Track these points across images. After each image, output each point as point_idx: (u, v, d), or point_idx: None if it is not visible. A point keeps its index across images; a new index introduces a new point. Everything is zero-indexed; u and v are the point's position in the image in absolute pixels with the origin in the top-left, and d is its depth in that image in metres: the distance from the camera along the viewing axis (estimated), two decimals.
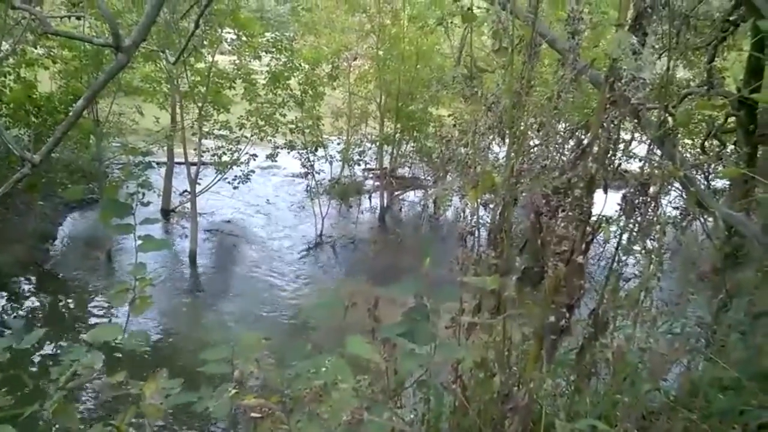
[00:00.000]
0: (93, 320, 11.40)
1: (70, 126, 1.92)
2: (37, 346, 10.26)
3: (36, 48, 14.21)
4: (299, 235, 16.19)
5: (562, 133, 2.53)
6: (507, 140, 2.62)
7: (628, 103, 1.47)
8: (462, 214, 2.31)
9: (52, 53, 14.18)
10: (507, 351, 2.41)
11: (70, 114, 1.88)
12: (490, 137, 2.34)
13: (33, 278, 12.98)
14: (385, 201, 17.90)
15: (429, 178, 18.95)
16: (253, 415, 1.47)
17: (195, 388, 2.15)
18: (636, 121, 1.64)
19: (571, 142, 2.63)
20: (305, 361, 1.33)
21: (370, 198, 18.61)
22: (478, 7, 3.13)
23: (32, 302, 12.20)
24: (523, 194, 2.35)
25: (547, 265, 1.71)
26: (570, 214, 1.62)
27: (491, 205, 2.64)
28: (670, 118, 2.14)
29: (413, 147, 18.27)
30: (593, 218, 1.78)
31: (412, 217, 18.44)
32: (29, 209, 14.21)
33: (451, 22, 12.56)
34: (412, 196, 19.14)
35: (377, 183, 18.80)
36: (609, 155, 1.66)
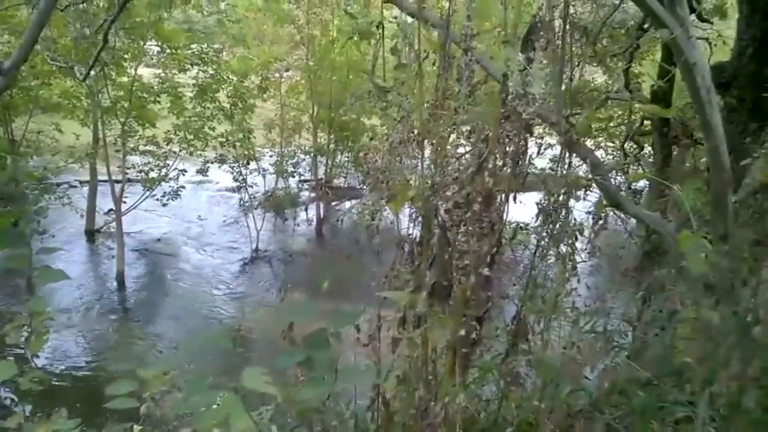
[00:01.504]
0: (12, 352, 10.69)
1: None
2: None
3: None
4: (234, 251, 15.81)
5: (468, 145, 2.56)
6: (422, 152, 2.63)
7: (520, 117, 1.50)
8: (377, 228, 2.29)
9: None
10: (428, 365, 2.40)
11: None
12: (405, 150, 2.34)
13: None
14: (322, 212, 17.77)
15: (365, 188, 18.96)
16: None
17: (115, 421, 2.03)
18: (528, 134, 1.67)
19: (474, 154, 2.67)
20: (197, 396, 1.25)
21: (306, 210, 18.44)
22: (390, 21, 3.14)
23: None
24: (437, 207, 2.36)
25: (454, 279, 1.71)
26: (470, 228, 1.62)
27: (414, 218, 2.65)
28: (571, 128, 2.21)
29: (348, 157, 18.27)
30: (501, 228, 1.80)
31: (350, 227, 18.39)
32: None
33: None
34: (349, 205, 19.10)
35: (313, 194, 18.66)
36: (513, 166, 1.68)
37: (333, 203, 18.51)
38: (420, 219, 2.66)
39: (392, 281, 2.56)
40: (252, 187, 16.12)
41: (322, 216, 17.70)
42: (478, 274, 1.65)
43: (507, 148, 1.60)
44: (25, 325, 2.11)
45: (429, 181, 2.47)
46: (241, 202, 16.31)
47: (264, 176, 16.45)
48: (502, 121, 1.55)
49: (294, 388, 1.36)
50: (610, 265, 9.44)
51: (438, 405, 1.86)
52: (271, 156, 17.40)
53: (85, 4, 9.78)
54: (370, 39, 2.42)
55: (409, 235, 2.75)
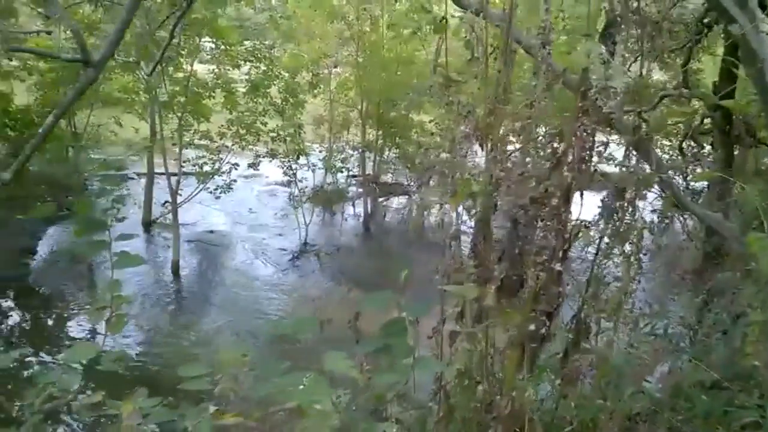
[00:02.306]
0: (76, 335, 11.21)
1: (40, 143, 1.88)
2: (17, 365, 10.07)
3: (11, 60, 14.02)
4: (283, 244, 16.10)
5: (538, 140, 2.55)
6: (485, 148, 2.63)
7: (600, 111, 1.48)
8: (442, 222, 2.30)
9: (28, 65, 14.01)
10: (489, 359, 2.40)
11: (40, 131, 1.85)
12: (468, 145, 2.35)
13: (12, 294, 12.73)
14: (369, 208, 17.88)
15: (412, 183, 18.98)
16: None
17: (177, 405, 2.11)
18: (609, 128, 1.65)
19: (548, 149, 2.65)
20: (283, 379, 1.30)
21: (353, 205, 18.59)
22: (453, 15, 3.14)
23: (12, 319, 11.97)
24: (501, 202, 2.35)
25: (525, 273, 1.71)
26: (548, 223, 1.62)
27: (472, 213, 2.65)
28: (644, 123, 2.16)
29: (396, 153, 18.30)
30: (572, 224, 1.79)
31: (397, 223, 18.44)
32: (5, 224, 13.95)
33: (428, 29, 12.64)
34: (396, 202, 19.15)
35: (360, 190, 18.79)
36: (585, 162, 1.66)
37: (380, 199, 18.59)
38: (476, 214, 2.66)
39: (452, 276, 2.57)
40: (302, 181, 16.37)
41: (369, 211, 17.81)
42: (550, 270, 1.64)
43: (584, 143, 1.58)
44: (107, 307, 2.22)
45: (490, 177, 2.47)
46: (291, 196, 16.58)
47: (313, 171, 16.67)
48: (580, 115, 1.54)
49: (372, 374, 1.39)
50: (666, 266, 9.16)
51: (504, 399, 1.87)
52: (320, 151, 17.61)
53: (148, 2, 10.11)
54: (443, 33, 2.43)
55: (465, 230, 2.75)
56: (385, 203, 18.77)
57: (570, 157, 1.56)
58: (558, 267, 1.67)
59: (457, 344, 2.51)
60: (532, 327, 1.76)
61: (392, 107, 17.14)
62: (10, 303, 12.45)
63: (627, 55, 1.56)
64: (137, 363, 10.13)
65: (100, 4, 9.70)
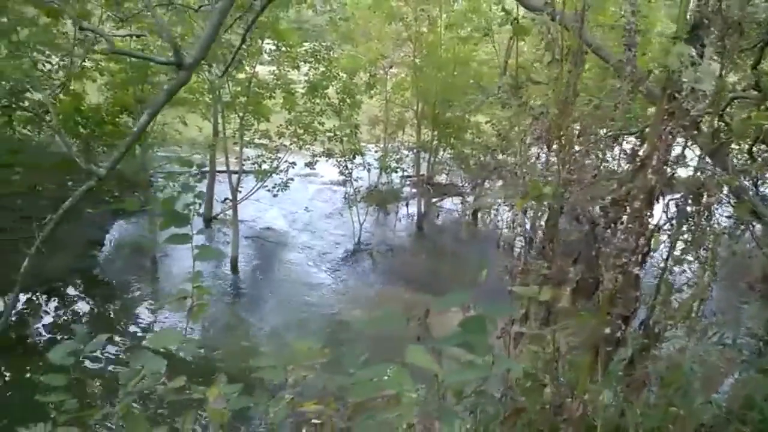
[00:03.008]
0: (141, 324, 11.74)
1: (134, 141, 2.01)
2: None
3: (84, 61, 14.77)
4: (337, 242, 16.34)
5: (607, 141, 2.52)
6: (553, 149, 2.62)
7: (687, 114, 1.47)
8: (504, 223, 2.32)
9: (99, 65, 14.71)
10: (556, 361, 2.40)
11: (134, 130, 1.98)
12: (539, 146, 2.35)
13: (80, 283, 13.41)
14: (423, 208, 17.91)
15: (466, 185, 18.88)
16: (313, 420, 1.52)
17: (246, 393, 2.21)
18: (696, 132, 1.63)
19: (616, 150, 2.62)
20: (366, 370, 1.36)
21: (407, 205, 18.66)
22: (524, 16, 3.14)
23: (79, 307, 12.60)
24: (570, 204, 2.35)
25: (602, 276, 1.71)
26: (630, 226, 1.61)
27: (531, 214, 2.65)
28: (723, 126, 2.11)
29: (451, 154, 18.25)
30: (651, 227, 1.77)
31: (450, 224, 18.39)
32: (78, 216, 14.71)
33: (491, 30, 12.56)
34: (450, 203, 19.10)
35: (414, 190, 18.84)
36: (667, 165, 1.65)
37: (434, 200, 18.59)
38: (540, 216, 2.66)
39: (517, 277, 2.58)
40: (357, 180, 16.56)
41: (422, 211, 17.84)
42: (628, 273, 1.64)
43: (669, 146, 1.57)
44: (187, 297, 2.35)
45: (558, 178, 2.46)
46: (346, 195, 16.80)
47: (368, 171, 16.83)
48: (665, 117, 1.53)
49: (450, 370, 1.43)
50: (735, 274, 8.80)
51: (576, 402, 1.87)
52: (375, 151, 17.77)
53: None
54: (524, 36, 2.45)
55: (527, 231, 2.75)
56: (438, 204, 18.75)
57: (654, 160, 1.55)
58: (636, 270, 1.67)
59: (522, 345, 2.52)
60: (607, 330, 1.75)
61: (448, 108, 17.11)
62: (77, 292, 13.12)
63: (714, 57, 1.54)
64: (198, 352, 10.52)
65: (169, 8, 10.11)
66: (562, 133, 2.48)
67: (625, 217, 1.62)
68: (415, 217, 17.88)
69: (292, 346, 2.06)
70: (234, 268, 14.17)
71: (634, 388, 2.60)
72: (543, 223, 2.53)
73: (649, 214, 1.64)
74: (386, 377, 1.29)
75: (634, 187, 1.60)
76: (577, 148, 2.47)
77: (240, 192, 15.02)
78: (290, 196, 17.16)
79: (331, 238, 16.63)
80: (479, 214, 18.13)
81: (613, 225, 1.67)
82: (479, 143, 17.46)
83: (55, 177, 14.65)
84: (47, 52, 14.36)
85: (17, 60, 14.19)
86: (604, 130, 2.56)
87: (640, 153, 1.63)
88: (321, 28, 17.77)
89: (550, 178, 2.50)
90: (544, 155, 2.75)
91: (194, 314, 2.27)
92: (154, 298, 12.97)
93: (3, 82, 14.38)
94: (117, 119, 14.90)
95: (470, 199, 18.24)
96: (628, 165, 1.73)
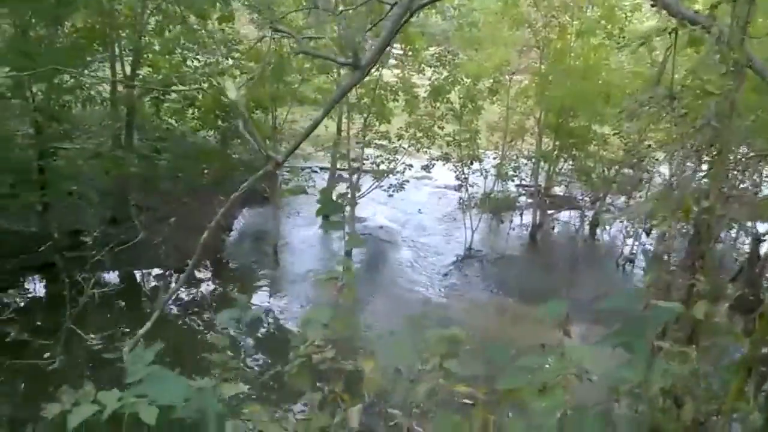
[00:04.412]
0: (257, 307, 12.52)
1: (309, 133, 2.23)
2: (202, 327, 11.48)
3: (227, 59, 15.99)
4: (448, 246, 16.41)
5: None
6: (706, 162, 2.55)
7: None
8: (667, 238, 2.29)
9: (240, 64, 15.84)
10: (698, 379, 2.33)
11: (310, 123, 2.19)
12: (696, 161, 2.30)
13: (209, 265, 14.53)
14: (538, 219, 17.50)
15: (586, 198, 18.20)
16: (464, 401, 1.62)
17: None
18: None
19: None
20: (522, 359, 1.44)
21: (521, 215, 18.32)
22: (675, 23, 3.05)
23: (205, 288, 13.64)
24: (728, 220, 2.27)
25: (763, 294, 1.66)
26: None
27: (667, 229, 2.58)
28: None
29: (572, 165, 17.67)
30: None
31: (565, 237, 17.82)
32: (210, 202, 15.94)
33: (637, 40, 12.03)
34: (567, 215, 18.51)
35: (530, 200, 18.46)
36: None
37: (550, 211, 18.10)
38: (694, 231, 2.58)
39: (659, 291, 2.52)
40: (472, 186, 16.52)
41: (537, 222, 17.43)
42: None
43: None
44: (338, 278, 2.55)
45: (714, 193, 2.39)
46: (460, 200, 16.82)
47: (485, 177, 16.72)
48: None
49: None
50: None
51: (722, 420, 1.83)
52: (494, 158, 17.61)
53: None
54: (699, 46, 2.41)
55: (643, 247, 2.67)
56: (554, 216, 18.23)
57: None
58: None
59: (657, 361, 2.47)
60: (765, 350, 1.70)
61: (572, 117, 16.57)
62: (205, 274, 14.22)
63: None
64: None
65: (309, 12, 10.69)
66: (720, 147, 2.42)
67: None
68: (529, 228, 17.51)
69: (430, 333, 2.17)
70: None
71: None
72: (691, 238, 2.47)
73: None
74: (546, 366, 1.36)
75: None
76: (733, 162, 2.39)
77: (357, 190, 15.54)
78: (405, 197, 17.49)
79: (442, 242, 16.73)
80: (598, 229, 17.41)
81: None
82: (603, 156, 16.76)
83: (194, 165, 16.03)
84: (194, 50, 15.77)
85: (168, 56, 15.71)
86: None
87: None
88: (447, 33, 17.88)
89: (703, 193, 2.44)
90: (695, 169, 2.68)
91: (345, 294, 2.46)
92: (273, 284, 13.79)
93: (155, 75, 16.00)
94: (252, 114, 16.00)
95: (590, 212, 17.56)
96: None
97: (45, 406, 2.07)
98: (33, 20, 12.13)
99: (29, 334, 6.53)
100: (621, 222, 16.66)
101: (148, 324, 2.49)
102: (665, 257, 2.66)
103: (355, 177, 15.44)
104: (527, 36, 17.75)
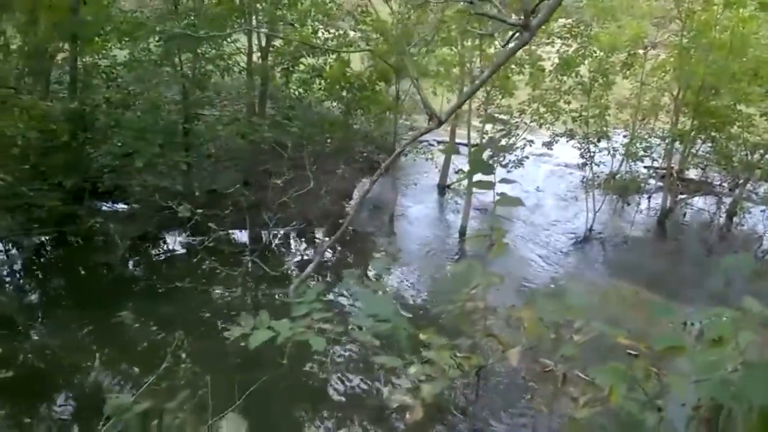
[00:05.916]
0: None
1: (473, 94, 2.31)
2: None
3: (354, 32, 16.37)
4: (567, 227, 15.90)
5: None
6: None
7: None
8: None
9: (367, 36, 16.15)
10: None
11: (476, 82, 2.27)
12: None
13: (328, 229, 15.14)
14: (668, 203, 16.43)
15: (724, 184, 16.83)
16: (629, 352, 1.67)
17: None
18: None
19: None
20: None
21: (649, 198, 17.29)
22: None
23: (327, 251, 14.23)
24: None
25: None
26: None
27: None
28: None
29: (710, 147, 16.35)
30: None
31: (698, 224, 16.62)
32: (333, 171, 16.56)
33: None
34: (700, 201, 17.21)
35: (660, 183, 17.36)
36: None
37: (682, 195, 16.92)
38: None
39: None
40: (597, 165, 15.81)
41: (667, 207, 16.37)
42: None
43: None
44: (488, 236, 2.64)
45: None
46: (584, 179, 16.18)
47: (612, 156, 15.90)
48: None
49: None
50: None
51: None
52: (624, 136, 16.70)
53: None
54: None
55: None
56: (687, 201, 17.03)
57: None
58: None
59: None
60: None
61: (714, 96, 15.26)
62: (322, 236, 14.81)
63: None
64: (413, 302, 11.31)
65: None
66: None
67: None
68: (658, 212, 16.50)
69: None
70: (462, 236, 14.72)
71: None
72: None
73: None
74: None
75: None
76: None
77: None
78: (523, 174, 17.08)
79: (561, 221, 16.23)
80: (735, 218, 16.06)
81: None
82: (746, 139, 15.35)
83: (320, 133, 16.69)
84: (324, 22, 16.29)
85: (297, 28, 16.35)
86: None
87: None
88: (579, 3, 17.02)
89: None
90: None
91: (493, 252, 2.54)
92: (389, 252, 14.15)
93: (286, 47, 16.74)
94: (376, 86, 16.33)
95: (727, 199, 16.23)
96: None
97: (229, 328, 2.36)
98: None
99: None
100: (763, 212, 15.26)
101: (309, 269, 2.73)
102: None
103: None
104: (667, 7, 16.52)
